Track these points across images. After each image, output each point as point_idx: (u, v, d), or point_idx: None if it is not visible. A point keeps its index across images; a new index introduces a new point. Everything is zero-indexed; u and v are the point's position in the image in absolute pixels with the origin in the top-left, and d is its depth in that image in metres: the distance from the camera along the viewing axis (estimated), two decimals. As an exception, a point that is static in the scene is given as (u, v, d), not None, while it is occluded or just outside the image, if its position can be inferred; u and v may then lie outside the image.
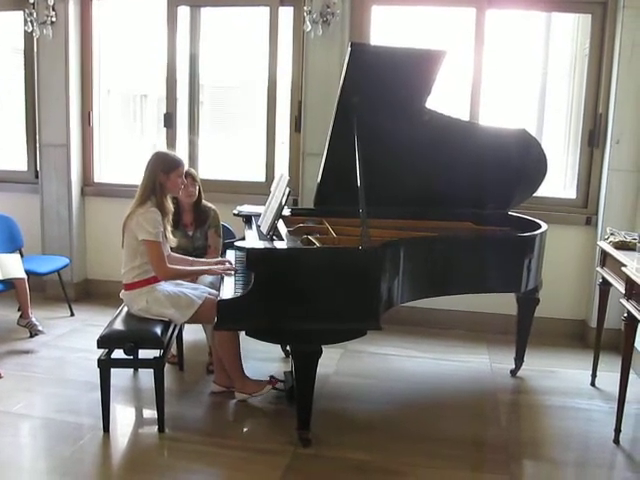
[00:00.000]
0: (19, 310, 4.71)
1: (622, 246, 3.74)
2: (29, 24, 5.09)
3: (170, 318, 3.49)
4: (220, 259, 3.90)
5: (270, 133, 5.38)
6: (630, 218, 4.69)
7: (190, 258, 3.84)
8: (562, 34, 5.67)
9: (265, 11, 5.23)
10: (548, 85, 5.73)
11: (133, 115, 7.13)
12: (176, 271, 3.57)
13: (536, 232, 3.95)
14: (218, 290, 3.60)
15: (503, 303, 4.68)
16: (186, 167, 3.76)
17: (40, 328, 4.64)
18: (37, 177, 5.68)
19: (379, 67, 3.39)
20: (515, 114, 5.66)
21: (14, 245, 5.07)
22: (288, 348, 4.13)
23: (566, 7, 5.01)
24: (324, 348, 3.20)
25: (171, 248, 3.72)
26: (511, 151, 4.03)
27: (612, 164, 4.73)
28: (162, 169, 3.54)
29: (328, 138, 3.73)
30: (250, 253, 3.14)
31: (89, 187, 5.74)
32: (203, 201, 4.27)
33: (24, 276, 4.62)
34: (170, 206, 3.62)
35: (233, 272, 3.64)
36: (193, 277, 4.03)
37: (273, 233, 3.47)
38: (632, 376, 3.54)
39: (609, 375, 4.09)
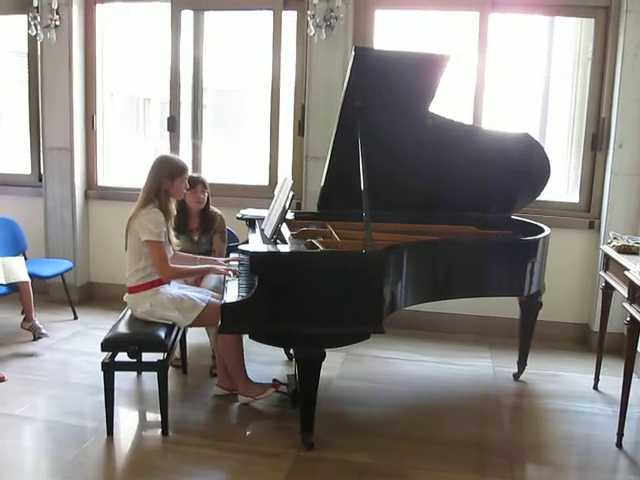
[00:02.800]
0: (23, 313, 4.71)
1: (625, 250, 3.74)
2: (33, 28, 5.10)
3: (174, 321, 3.50)
4: (228, 258, 3.92)
5: (273, 137, 5.39)
6: (633, 222, 4.69)
7: (198, 257, 3.86)
8: (565, 38, 5.68)
9: (268, 15, 5.24)
10: (551, 89, 5.75)
11: (136, 119, 7.15)
12: (178, 270, 3.58)
13: (539, 236, 3.96)
14: (222, 294, 3.61)
15: (506, 307, 4.69)
16: (190, 172, 3.77)
17: (43, 331, 4.65)
18: (41, 180, 5.70)
19: (382, 71, 3.40)
20: (518, 118, 5.67)
21: (18, 248, 5.09)
22: (291, 352, 4.13)
23: (569, 11, 5.01)
24: (327, 352, 3.20)
25: (173, 251, 3.73)
26: (514, 155, 4.04)
27: (615, 168, 4.73)
28: (167, 174, 3.54)
29: (332, 142, 3.74)
30: (254, 257, 3.14)
31: (92, 190, 5.76)
32: (210, 207, 4.29)
33: (28, 279, 4.63)
34: (173, 209, 3.63)
35: (237, 272, 3.64)
36: (197, 279, 4.05)
37: (277, 237, 3.47)
38: (635, 380, 3.54)
39: (612, 379, 4.09)
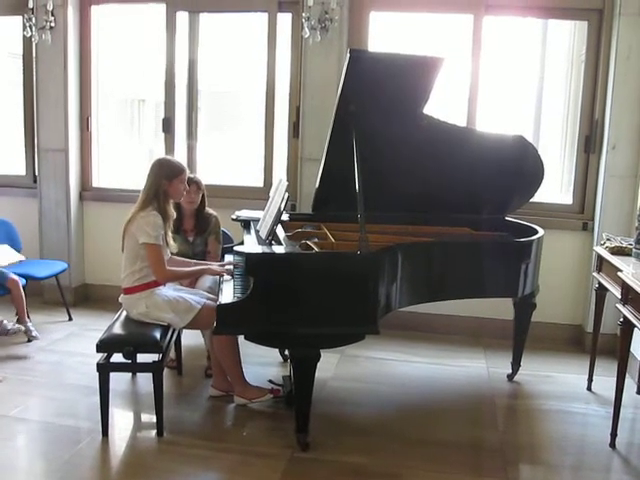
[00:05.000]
0: (16, 315, 4.71)
1: (618, 251, 3.76)
2: (28, 29, 5.10)
3: (169, 322, 3.50)
4: (223, 262, 3.93)
5: (268, 138, 5.39)
6: (626, 223, 4.71)
7: (192, 261, 3.86)
8: (559, 41, 5.71)
9: (263, 17, 5.25)
10: (545, 91, 5.77)
11: (131, 120, 7.15)
12: (175, 273, 3.58)
13: (533, 237, 3.98)
14: (217, 295, 3.62)
15: (500, 308, 4.71)
16: (188, 173, 3.78)
17: (34, 334, 4.61)
18: (35, 182, 5.69)
19: (377, 73, 3.41)
20: (512, 120, 5.69)
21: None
22: (286, 352, 4.14)
23: (562, 14, 5.03)
24: (322, 353, 3.21)
25: (171, 253, 3.73)
26: (508, 157, 4.05)
27: (608, 170, 4.76)
28: (165, 176, 3.56)
29: (326, 144, 3.74)
30: (249, 258, 3.15)
31: (87, 192, 5.75)
32: (206, 208, 4.29)
33: (22, 257, 4.64)
34: (172, 212, 3.64)
35: (232, 271, 3.65)
36: (192, 281, 4.05)
37: (272, 238, 3.48)
38: (628, 380, 3.56)
39: (605, 380, 4.11)
